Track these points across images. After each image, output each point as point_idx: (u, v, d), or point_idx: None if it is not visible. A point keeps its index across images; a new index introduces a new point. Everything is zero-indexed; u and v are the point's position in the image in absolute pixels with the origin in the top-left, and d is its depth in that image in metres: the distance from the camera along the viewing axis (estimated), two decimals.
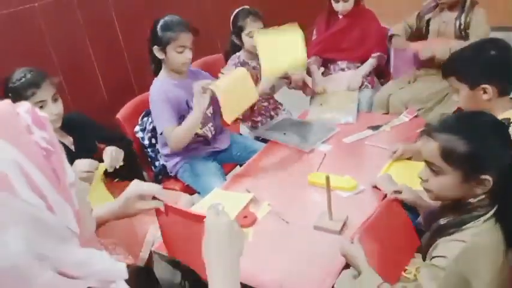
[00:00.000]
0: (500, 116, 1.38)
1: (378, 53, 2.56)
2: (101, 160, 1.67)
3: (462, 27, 2.28)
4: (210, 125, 2.07)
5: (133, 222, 1.60)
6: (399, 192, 1.39)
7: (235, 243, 0.85)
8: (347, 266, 1.25)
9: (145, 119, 2.11)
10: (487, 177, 0.99)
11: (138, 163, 1.92)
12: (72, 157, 1.58)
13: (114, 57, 2.61)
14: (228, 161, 2.19)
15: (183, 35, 1.86)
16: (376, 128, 2.06)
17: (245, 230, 1.50)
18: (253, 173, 1.86)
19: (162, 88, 1.92)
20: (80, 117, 1.84)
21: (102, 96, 2.56)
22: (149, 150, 2.10)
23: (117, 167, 1.71)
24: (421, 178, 1.12)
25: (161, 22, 1.88)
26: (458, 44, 2.05)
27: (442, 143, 1.03)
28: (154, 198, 1.08)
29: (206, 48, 2.53)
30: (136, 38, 2.54)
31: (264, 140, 2.15)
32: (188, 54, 1.89)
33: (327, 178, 1.40)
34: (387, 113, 2.35)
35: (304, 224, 1.49)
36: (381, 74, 2.73)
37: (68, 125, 1.73)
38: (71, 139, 1.75)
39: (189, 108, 1.96)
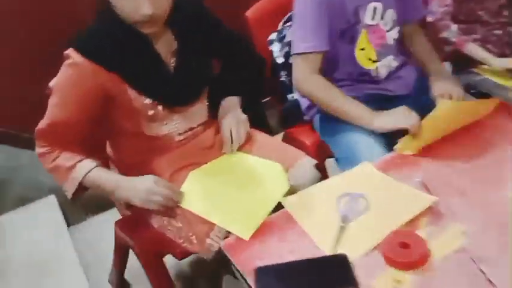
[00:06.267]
0: None
1: None
2: None
3: None
4: (391, 56, 1.26)
5: None
6: None
7: None
8: None
9: (287, 24, 1.40)
10: None
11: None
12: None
13: None
14: None
15: None
16: None
17: (399, 274, 0.75)
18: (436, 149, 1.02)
19: None
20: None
21: None
22: (283, 74, 1.39)
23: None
24: None
25: None
26: None
27: None
28: None
29: None
30: None
31: None
32: None
33: None
34: None
35: None
36: None
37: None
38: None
39: (356, 22, 1.18)
